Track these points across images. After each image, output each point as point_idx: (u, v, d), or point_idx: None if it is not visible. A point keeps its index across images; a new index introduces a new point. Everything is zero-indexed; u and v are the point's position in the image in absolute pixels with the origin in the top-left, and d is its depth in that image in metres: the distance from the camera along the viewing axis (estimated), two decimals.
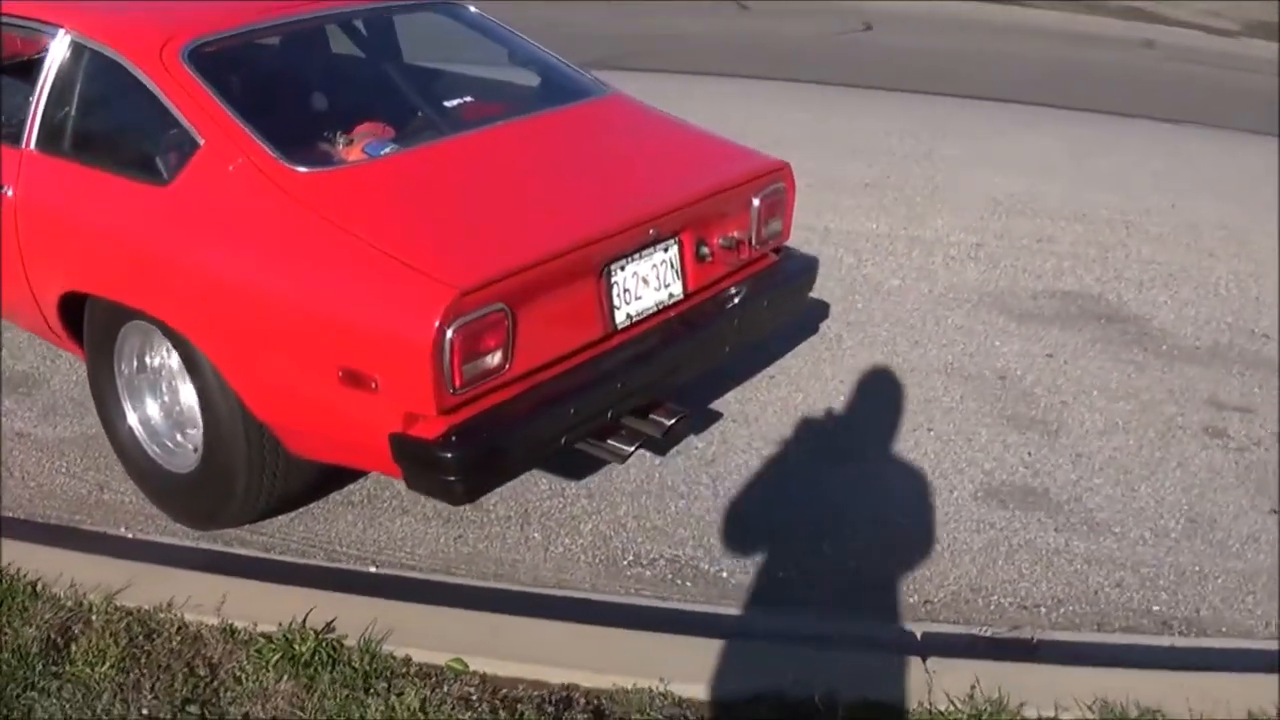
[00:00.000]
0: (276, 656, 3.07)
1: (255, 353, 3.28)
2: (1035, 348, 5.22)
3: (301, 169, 3.33)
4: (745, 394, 4.72)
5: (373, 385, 3.01)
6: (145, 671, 3.04)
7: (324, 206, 3.23)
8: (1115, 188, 7.44)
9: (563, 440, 3.31)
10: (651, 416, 3.70)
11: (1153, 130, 9.16)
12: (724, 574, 3.69)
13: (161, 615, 3.22)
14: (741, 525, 3.91)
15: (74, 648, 3.08)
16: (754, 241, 3.92)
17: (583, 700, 2.99)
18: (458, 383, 2.98)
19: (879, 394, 4.77)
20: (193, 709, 2.94)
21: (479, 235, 3.26)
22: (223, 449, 3.48)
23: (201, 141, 3.37)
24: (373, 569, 3.65)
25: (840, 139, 8.31)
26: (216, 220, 3.34)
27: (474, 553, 3.74)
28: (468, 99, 4.21)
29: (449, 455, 2.99)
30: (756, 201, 3.88)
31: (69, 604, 3.25)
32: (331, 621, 3.20)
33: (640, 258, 3.51)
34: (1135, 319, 5.58)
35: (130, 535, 3.76)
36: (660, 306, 3.62)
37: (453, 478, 3.03)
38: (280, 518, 3.82)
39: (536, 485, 4.05)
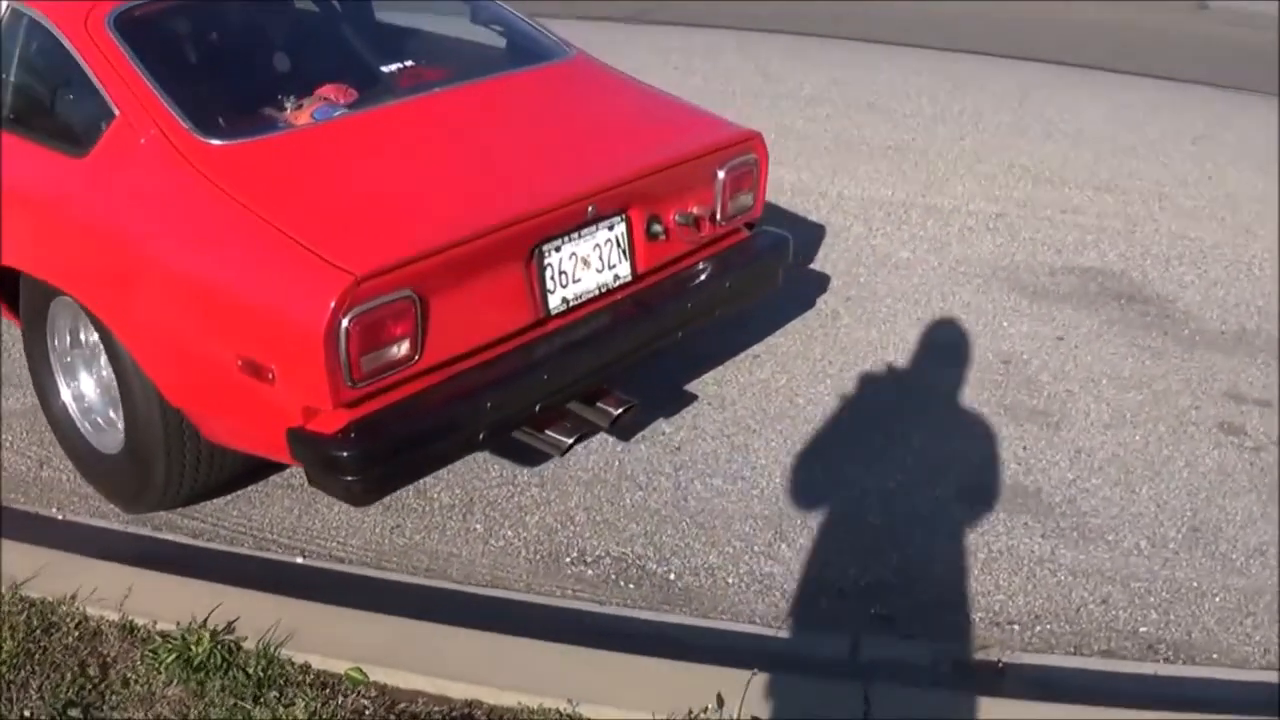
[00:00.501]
0: (171, 658, 2.89)
1: (162, 337, 3.08)
2: (1046, 329, 4.88)
3: (215, 141, 3.11)
4: (725, 374, 4.45)
5: (270, 375, 2.80)
6: (36, 669, 2.89)
7: (232, 182, 3.00)
8: (1152, 156, 6.98)
9: (480, 436, 3.07)
10: (598, 405, 3.47)
11: (1199, 96, 8.58)
12: (671, 575, 3.45)
13: (63, 608, 3.06)
14: (695, 523, 3.66)
15: None
16: (719, 217, 3.64)
17: (484, 719, 2.77)
18: (357, 375, 2.76)
19: (868, 378, 4.46)
20: (75, 713, 2.77)
21: (392, 214, 3.01)
22: (141, 432, 3.29)
23: (116, 112, 3.17)
24: (299, 559, 3.46)
25: (860, 94, 7.92)
26: (126, 196, 3.14)
27: (409, 544, 3.53)
28: (417, 60, 3.93)
29: (345, 453, 2.78)
30: (721, 174, 3.58)
31: None
32: (233, 622, 3.01)
33: (579, 237, 3.25)
34: (1157, 299, 5.20)
35: (60, 516, 3.61)
36: (604, 290, 3.36)
37: (350, 477, 2.81)
38: (215, 500, 3.65)
39: (486, 472, 3.83)
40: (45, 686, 2.83)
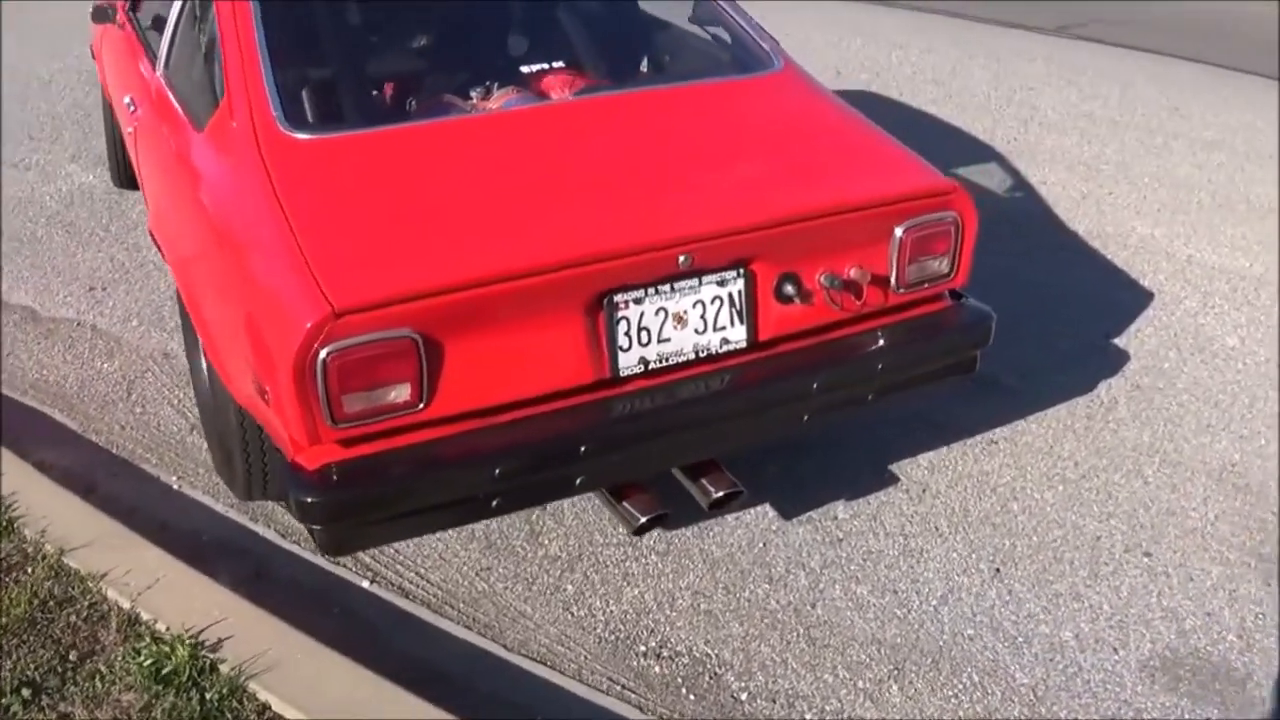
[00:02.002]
0: (148, 662, 2.66)
1: (213, 329, 2.90)
2: None
3: (299, 134, 2.82)
4: (946, 457, 3.64)
5: (266, 395, 2.52)
6: (28, 639, 2.76)
7: (290, 177, 2.71)
8: None
9: (494, 504, 2.59)
10: (702, 480, 2.88)
11: None
12: (744, 695, 2.78)
13: (90, 584, 2.92)
14: (807, 636, 2.95)
15: None
16: (895, 284, 2.90)
17: None
18: (339, 415, 2.41)
19: (1109, 494, 3.48)
20: (26, 692, 2.61)
21: (431, 237, 2.58)
22: (215, 420, 3.14)
23: (221, 94, 3.01)
24: (366, 584, 3.14)
25: (1268, 142, 6.44)
26: (209, 181, 2.97)
27: (486, 592, 3.10)
28: (599, 57, 3.48)
29: (309, 499, 2.42)
30: (899, 232, 2.84)
31: (28, 548, 3.06)
32: (225, 640, 2.73)
33: (672, 291, 2.66)
34: None
35: (175, 486, 3.53)
36: (703, 354, 2.75)
37: (313, 525, 2.47)
38: None
39: (608, 526, 3.31)
40: (22, 659, 2.70)
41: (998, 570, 3.17)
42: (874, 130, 3.14)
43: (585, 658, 2.92)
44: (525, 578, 3.17)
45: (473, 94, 3.34)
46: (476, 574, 3.18)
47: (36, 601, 2.87)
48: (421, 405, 2.47)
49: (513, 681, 2.85)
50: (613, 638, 2.98)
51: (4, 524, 3.09)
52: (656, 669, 2.88)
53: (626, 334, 2.63)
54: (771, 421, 2.87)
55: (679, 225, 2.64)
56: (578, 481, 2.65)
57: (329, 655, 2.73)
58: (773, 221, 2.70)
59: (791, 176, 2.90)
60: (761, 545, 3.27)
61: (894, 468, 3.59)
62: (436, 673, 2.86)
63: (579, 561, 3.22)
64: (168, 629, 2.77)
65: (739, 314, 2.74)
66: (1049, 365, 4.11)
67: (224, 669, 2.68)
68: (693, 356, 2.73)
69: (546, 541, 3.28)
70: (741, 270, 2.71)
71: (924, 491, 3.49)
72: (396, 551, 3.25)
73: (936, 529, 3.33)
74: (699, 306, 2.69)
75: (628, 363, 2.66)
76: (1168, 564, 3.20)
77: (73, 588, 2.92)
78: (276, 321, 2.42)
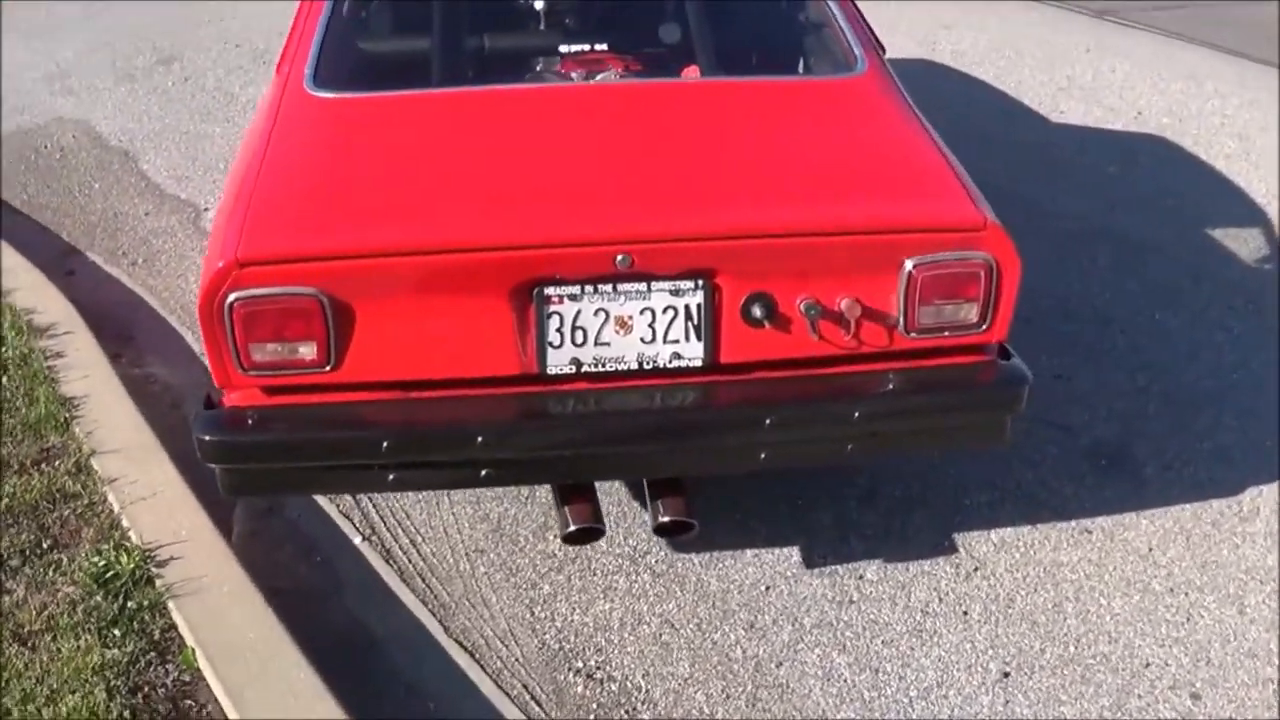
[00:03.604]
0: (100, 564, 2.78)
1: None
2: None
3: (319, 92, 2.89)
4: (1019, 536, 3.15)
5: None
6: (23, 523, 2.99)
7: (287, 130, 2.78)
8: None
9: (390, 478, 2.51)
10: (659, 500, 2.67)
11: None
12: None
13: (98, 487, 3.10)
14: (751, 697, 2.64)
15: None
16: (905, 326, 2.51)
17: None
18: (247, 363, 2.41)
19: (1190, 614, 2.86)
20: None
21: (358, 204, 2.53)
22: None
23: (279, 58, 3.14)
24: (357, 540, 3.13)
25: None
26: (253, 117, 3.08)
27: (466, 573, 3.01)
28: (657, 45, 3.27)
29: (203, 435, 2.44)
30: (909, 266, 2.45)
31: (70, 444, 3.27)
32: (173, 559, 2.82)
33: (615, 294, 2.44)
34: None
35: None
36: (649, 367, 2.50)
37: (206, 461, 2.49)
38: None
39: (623, 539, 3.12)
40: (7, 538, 2.91)
41: (1006, 674, 2.70)
42: (932, 154, 2.72)
43: (516, 660, 2.76)
44: (510, 568, 3.04)
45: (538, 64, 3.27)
46: (467, 554, 3.09)
47: (47, 493, 3.08)
48: (329, 367, 2.42)
49: (430, 666, 2.75)
50: (556, 647, 2.80)
51: (61, 421, 3.34)
52: (579, 689, 2.68)
53: (559, 330, 2.45)
54: (719, 453, 2.59)
55: (620, 223, 2.43)
56: (483, 473, 2.52)
57: (250, 595, 2.76)
58: (735, 233, 2.42)
59: (787, 189, 2.59)
60: (764, 589, 2.96)
61: (959, 536, 3.14)
62: (364, 639, 2.82)
63: (571, 564, 3.05)
64: (138, 539, 2.90)
65: (696, 330, 2.47)
66: (1202, 457, 3.47)
67: (157, 584, 2.77)
68: (635, 367, 2.50)
69: (551, 538, 3.13)
70: (701, 283, 2.44)
71: (976, 570, 3.03)
72: (406, 516, 3.22)
73: (965, 614, 2.88)
74: (647, 314, 2.46)
75: (557, 361, 2.47)
76: (1211, 714, 2.59)
77: (84, 487, 3.12)
78: (208, 260, 2.46)
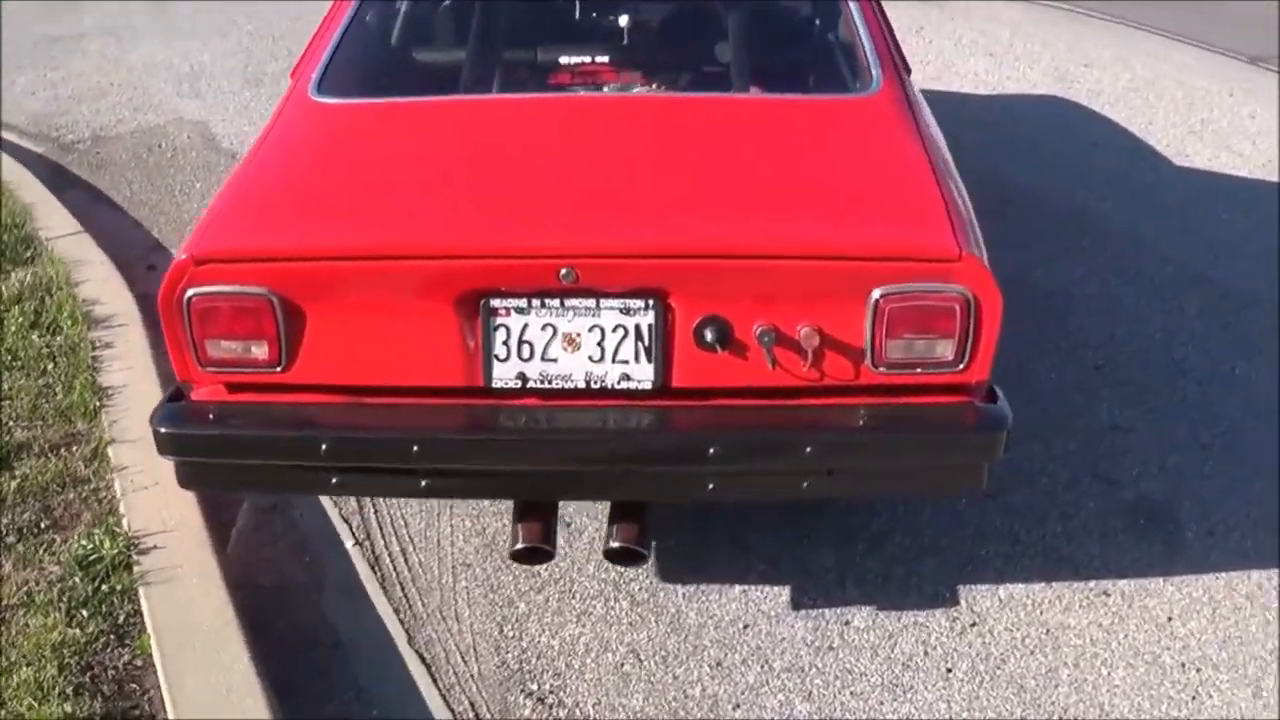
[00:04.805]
0: (88, 547, 2.86)
1: None
2: None
3: (321, 98, 2.94)
4: (1023, 595, 2.93)
5: None
6: (30, 502, 3.10)
7: (282, 134, 2.84)
8: None
9: (334, 481, 2.52)
10: (616, 525, 2.60)
11: None
12: None
13: (107, 475, 3.19)
14: None
15: None
16: (873, 360, 2.37)
17: None
18: (204, 359, 2.46)
19: (1198, 693, 2.60)
20: None
21: (318, 207, 2.56)
22: None
23: (296, 63, 3.22)
24: (349, 544, 3.14)
25: None
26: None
27: (447, 585, 2.99)
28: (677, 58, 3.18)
29: (159, 428, 2.48)
30: (876, 296, 2.31)
31: (94, 432, 3.38)
32: (156, 548, 2.89)
33: (562, 309, 2.38)
34: None
35: None
36: (597, 386, 2.43)
37: (161, 453, 2.53)
38: None
39: (613, 566, 3.03)
40: (13, 515, 3.03)
41: None
42: (926, 180, 2.54)
43: (470, 677, 2.72)
44: (492, 584, 3.00)
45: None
46: (454, 567, 3.06)
47: (59, 476, 3.19)
48: (280, 367, 2.44)
49: (385, 673, 2.74)
50: (515, 667, 2.74)
51: (91, 409, 3.46)
52: (525, 712, 2.62)
53: (505, 344, 2.40)
54: (664, 480, 2.50)
55: (564, 236, 2.37)
56: (423, 484, 2.49)
57: (217, 587, 2.79)
58: (687, 253, 2.33)
59: (753, 209, 2.47)
60: (742, 626, 2.84)
61: (964, 588, 2.95)
62: (330, 640, 2.83)
63: (552, 585, 2.99)
64: (129, 526, 2.98)
65: (646, 351, 2.39)
66: (1251, 523, 3.18)
67: (134, 571, 2.83)
68: (582, 385, 2.43)
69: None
70: (652, 302, 2.36)
71: (972, 625, 2.83)
72: (405, 524, 3.22)
73: (949, 671, 2.70)
74: (596, 332, 2.39)
75: (503, 374, 2.42)
76: None
77: (95, 473, 3.21)
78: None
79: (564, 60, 3.32)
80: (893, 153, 2.67)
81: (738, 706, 2.62)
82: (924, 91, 6.38)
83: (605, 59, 3.31)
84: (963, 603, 2.91)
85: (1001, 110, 6.01)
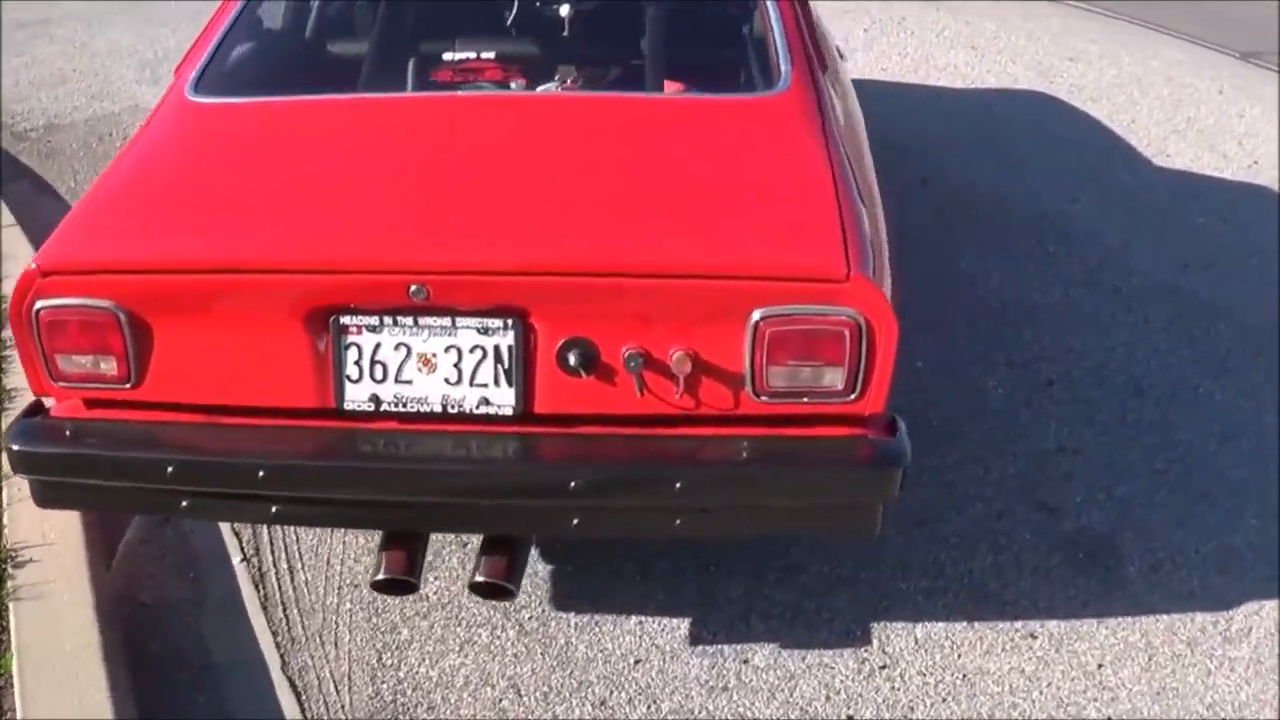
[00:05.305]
0: None
1: None
2: None
3: (196, 98, 2.77)
4: (942, 636, 2.74)
5: None
6: None
7: (152, 137, 2.70)
8: None
9: (183, 504, 2.37)
10: (484, 556, 2.43)
11: None
12: None
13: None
14: None
15: None
16: (754, 388, 2.19)
17: None
18: (55, 373, 2.33)
19: None
20: None
21: (169, 217, 2.42)
22: None
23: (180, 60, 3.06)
24: (236, 560, 2.99)
25: None
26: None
27: (331, 607, 2.83)
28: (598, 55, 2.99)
29: (12, 445, 2.35)
30: (756, 318, 2.13)
31: None
32: (31, 561, 2.77)
33: (416, 328, 2.23)
34: None
35: None
36: (455, 411, 2.27)
37: (16, 471, 2.42)
38: None
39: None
40: None
41: None
42: (824, 191, 2.33)
43: (339, 708, 2.57)
44: (377, 608, 2.84)
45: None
46: (340, 588, 2.91)
47: None
48: (129, 384, 2.31)
49: (251, 700, 2.61)
50: (388, 699, 2.59)
51: None
52: None
53: (357, 364, 2.25)
54: (524, 514, 2.32)
55: (415, 251, 2.22)
56: (274, 510, 2.33)
57: (86, 605, 2.68)
58: (545, 270, 2.16)
59: (622, 223, 2.29)
60: (634, 662, 2.67)
61: (878, 626, 2.77)
62: (200, 662, 2.70)
63: (439, 610, 2.83)
64: (9, 539, 2.87)
65: (507, 374, 2.22)
66: (1201, 560, 2.98)
67: (8, 585, 2.72)
68: (439, 409, 2.27)
69: (431, 578, 2.90)
70: (512, 322, 2.19)
71: (882, 668, 2.65)
72: (296, 540, 3.06)
73: (850, 719, 2.51)
74: (453, 353, 2.23)
75: (355, 396, 2.27)
76: None
77: None
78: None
79: (455, 57, 3.12)
80: (791, 159, 2.48)
81: None
82: (895, 86, 6.13)
83: (504, 56, 3.10)
84: (875, 642, 2.73)
85: (976, 105, 5.78)
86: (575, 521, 2.26)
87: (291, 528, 3.07)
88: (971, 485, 3.20)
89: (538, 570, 2.90)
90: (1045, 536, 3.04)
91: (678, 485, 2.17)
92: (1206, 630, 2.77)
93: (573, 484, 2.17)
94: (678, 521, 2.24)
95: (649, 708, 2.55)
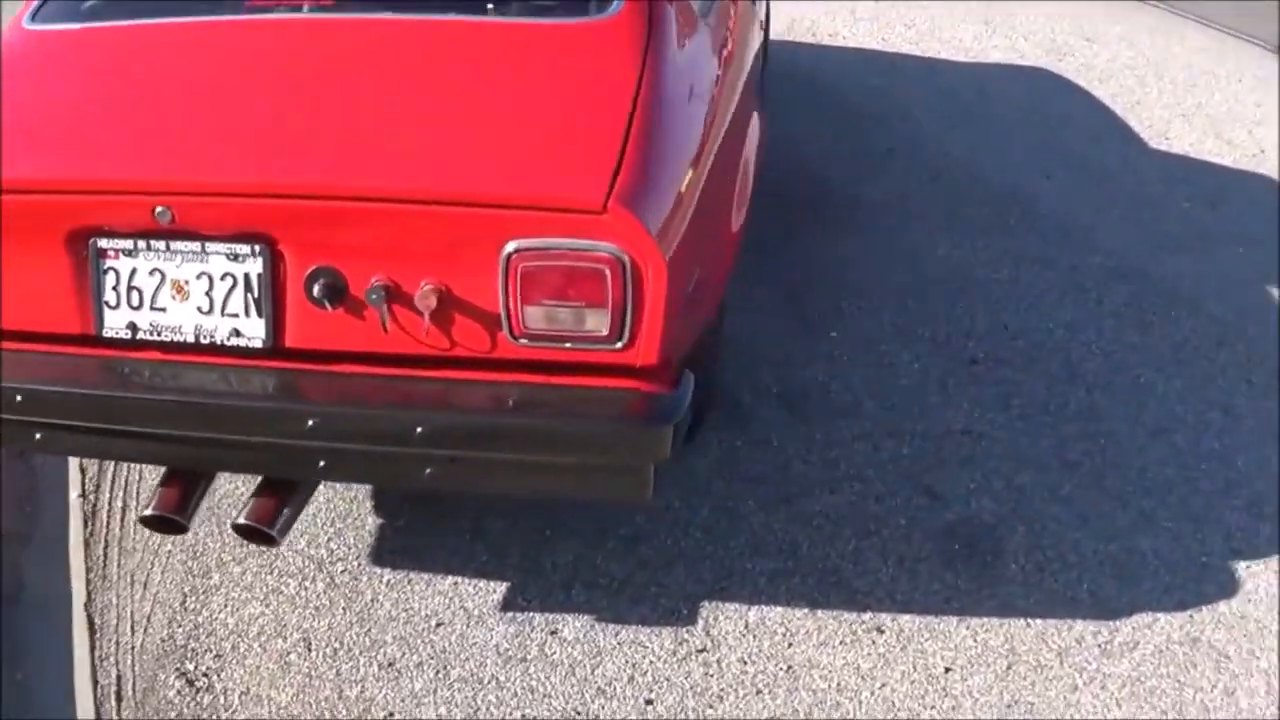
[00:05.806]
0: None
1: None
2: None
3: (31, 25, 2.64)
4: (778, 621, 2.53)
5: None
6: None
7: None
8: None
9: None
10: (254, 499, 2.28)
11: None
12: None
13: None
14: None
15: None
16: (511, 330, 2.02)
17: None
18: None
19: None
20: None
21: None
22: None
23: None
24: (74, 495, 2.89)
25: None
26: None
27: (154, 548, 2.71)
28: None
29: None
30: (509, 250, 1.95)
31: None
32: None
33: (167, 252, 2.11)
34: None
35: None
36: (208, 342, 2.14)
37: None
38: None
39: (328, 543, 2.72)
40: None
41: None
42: (616, 123, 2.12)
43: (130, 649, 2.51)
44: (197, 550, 2.73)
45: None
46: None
47: None
48: None
49: (50, 635, 2.56)
50: (181, 643, 2.49)
51: None
52: (169, 694, 2.38)
53: (115, 289, 2.15)
54: (266, 454, 2.16)
55: (158, 171, 2.10)
56: (36, 437, 2.23)
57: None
58: (289, 193, 2.01)
59: (380, 146, 2.12)
60: (435, 624, 2.51)
61: (708, 605, 2.55)
62: (10, 597, 2.64)
63: (256, 557, 2.70)
64: None
65: (256, 304, 2.09)
66: (1097, 561, 2.69)
67: None
68: (192, 340, 2.15)
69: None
70: (259, 248, 2.06)
71: (700, 651, 2.45)
72: (140, 478, 2.92)
73: (646, 704, 2.32)
74: (205, 280, 2.11)
75: (113, 323, 2.18)
76: None
77: None
78: None
79: None
80: (593, 88, 2.26)
81: (390, 715, 2.29)
82: (888, 56, 5.76)
83: None
84: (700, 623, 2.52)
85: (972, 79, 5.44)
86: (321, 464, 2.11)
87: (136, 466, 2.96)
88: (855, 464, 2.95)
89: (366, 523, 2.76)
90: (921, 524, 2.79)
91: (418, 430, 1.99)
92: (1084, 640, 2.51)
93: (310, 424, 2.02)
94: (428, 471, 2.07)
95: (437, 673, 2.38)
